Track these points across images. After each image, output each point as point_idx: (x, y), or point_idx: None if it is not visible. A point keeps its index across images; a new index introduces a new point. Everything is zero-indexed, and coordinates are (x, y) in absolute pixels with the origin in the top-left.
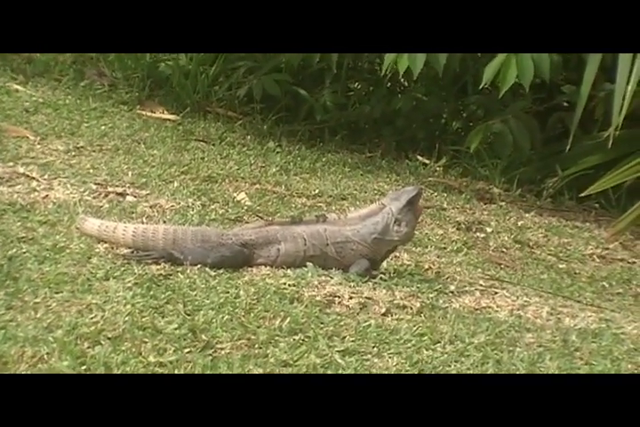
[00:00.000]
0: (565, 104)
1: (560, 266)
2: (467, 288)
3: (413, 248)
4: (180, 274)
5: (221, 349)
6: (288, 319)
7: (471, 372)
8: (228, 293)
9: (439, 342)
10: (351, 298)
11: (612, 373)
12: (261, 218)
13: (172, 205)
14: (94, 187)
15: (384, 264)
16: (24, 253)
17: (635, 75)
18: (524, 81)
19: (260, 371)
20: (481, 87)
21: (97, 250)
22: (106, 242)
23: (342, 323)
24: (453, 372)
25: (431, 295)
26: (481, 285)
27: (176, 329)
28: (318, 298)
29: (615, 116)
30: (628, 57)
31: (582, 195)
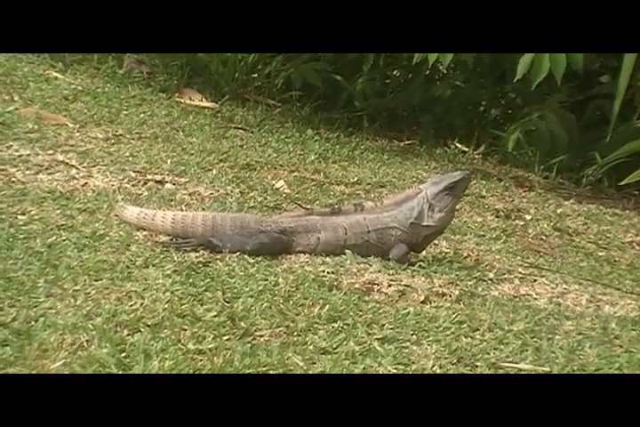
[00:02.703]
0: (605, 92)
1: (599, 254)
2: (506, 276)
3: (452, 236)
4: (218, 261)
5: (260, 336)
6: (327, 307)
7: (510, 359)
8: (267, 280)
9: (478, 329)
10: (390, 286)
11: None
12: (300, 206)
13: (211, 193)
14: (133, 175)
15: (423, 252)
16: (63, 240)
17: None
18: (556, 73)
19: (299, 358)
20: (515, 80)
21: (136, 237)
22: (145, 229)
23: (381, 310)
24: (492, 360)
25: (470, 283)
26: (520, 272)
27: (215, 317)
28: (357, 286)
29: None
30: None
31: (621, 184)
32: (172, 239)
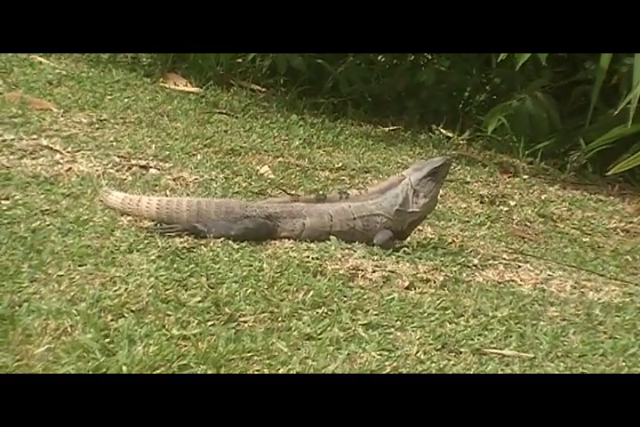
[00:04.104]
0: (590, 77)
1: (584, 240)
2: (490, 262)
3: (437, 222)
4: (203, 247)
5: (244, 322)
6: (311, 293)
7: (494, 345)
8: (252, 266)
9: (462, 315)
10: (374, 271)
11: (636, 348)
12: (285, 191)
13: (196, 178)
14: (117, 160)
15: (407, 238)
16: (47, 225)
17: None
18: (541, 54)
19: (284, 344)
20: (498, 61)
21: (120, 223)
22: (129, 215)
23: (365, 296)
24: (476, 346)
25: (454, 269)
26: (504, 258)
27: (199, 302)
28: (341, 271)
29: (635, 88)
30: None
31: (607, 174)
32: (156, 225)
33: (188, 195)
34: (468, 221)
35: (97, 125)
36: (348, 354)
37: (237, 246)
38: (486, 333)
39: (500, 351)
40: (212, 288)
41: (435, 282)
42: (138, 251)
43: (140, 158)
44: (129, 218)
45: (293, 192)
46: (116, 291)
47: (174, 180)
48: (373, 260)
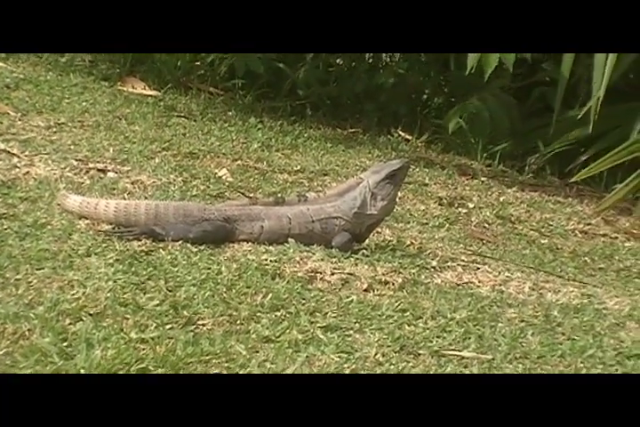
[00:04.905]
0: (547, 79)
1: (542, 241)
2: (448, 264)
3: (395, 224)
4: (161, 250)
5: (203, 325)
6: (270, 295)
7: (453, 347)
8: (210, 269)
9: (421, 317)
10: (333, 274)
11: (594, 349)
12: (243, 194)
13: (154, 182)
14: (75, 163)
15: (366, 240)
16: (5, 229)
17: None
18: (507, 61)
19: (242, 347)
20: (467, 73)
21: (78, 226)
22: (87, 218)
23: (324, 299)
24: (435, 348)
25: (413, 271)
26: (463, 260)
27: (157, 305)
28: (300, 274)
29: (595, 90)
30: None
31: (571, 181)
32: (114, 228)
33: (146, 198)
34: (426, 224)
35: (55, 129)
36: (307, 357)
37: (196, 249)
38: (445, 335)
39: (458, 353)
40: (170, 291)
41: (393, 284)
42: (96, 254)
43: (98, 162)
44: (87, 221)
45: (252, 195)
46: (73, 295)
47: (132, 183)
48: (332, 262)
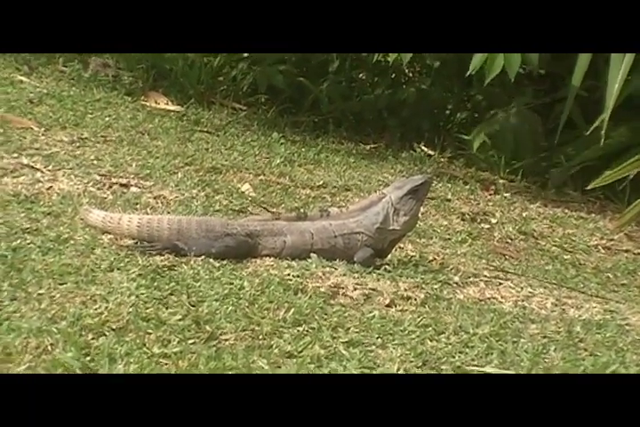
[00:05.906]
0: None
1: (565, 257)
2: (471, 279)
3: (417, 239)
4: (184, 265)
5: (225, 340)
6: (292, 310)
7: (475, 363)
8: (232, 284)
9: (443, 332)
10: (355, 289)
11: (617, 364)
12: (266, 209)
13: (176, 196)
14: (98, 178)
15: (388, 256)
16: (28, 244)
17: (626, 64)
18: (510, 70)
19: (265, 362)
20: (467, 75)
21: (101, 241)
22: (110, 233)
23: (346, 314)
24: (457, 363)
25: (435, 286)
26: (485, 276)
27: (180, 320)
28: (322, 289)
29: (607, 106)
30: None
31: (587, 188)
32: (137, 243)
33: (168, 213)
34: (449, 239)
35: (78, 144)
36: (329, 372)
37: (218, 264)
38: (467, 350)
39: (481, 369)
40: (192, 306)
41: (416, 299)
42: (118, 269)
43: (121, 177)
44: (110, 236)
45: (274, 210)
46: (96, 309)
47: (155, 198)
48: (354, 277)
